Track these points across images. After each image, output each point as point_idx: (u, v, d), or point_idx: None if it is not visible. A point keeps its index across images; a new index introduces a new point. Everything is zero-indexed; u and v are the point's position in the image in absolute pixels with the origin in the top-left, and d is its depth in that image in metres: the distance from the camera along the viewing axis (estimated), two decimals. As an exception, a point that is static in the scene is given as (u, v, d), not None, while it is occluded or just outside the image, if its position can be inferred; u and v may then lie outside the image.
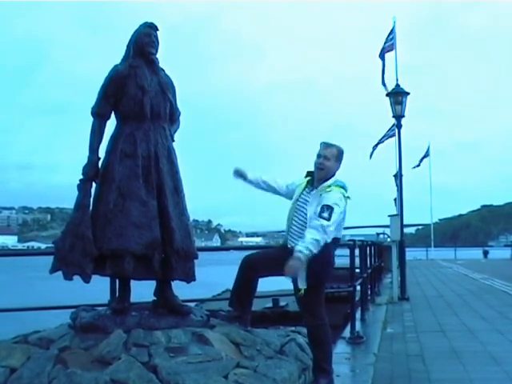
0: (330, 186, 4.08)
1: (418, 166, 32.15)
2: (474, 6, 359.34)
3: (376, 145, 18.37)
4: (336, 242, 4.15)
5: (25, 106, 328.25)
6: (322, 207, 3.95)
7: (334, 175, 4.17)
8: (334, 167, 4.18)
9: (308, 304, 4.14)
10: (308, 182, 4.27)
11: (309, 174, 4.31)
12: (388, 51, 13.92)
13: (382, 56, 14.07)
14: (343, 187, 4.13)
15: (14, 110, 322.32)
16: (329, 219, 3.92)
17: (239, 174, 4.54)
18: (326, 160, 4.14)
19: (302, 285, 4.03)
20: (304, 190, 4.25)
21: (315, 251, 3.86)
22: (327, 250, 4.02)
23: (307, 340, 4.39)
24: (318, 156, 4.19)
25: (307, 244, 3.84)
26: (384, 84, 13.91)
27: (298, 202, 4.22)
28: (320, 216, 3.93)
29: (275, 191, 4.56)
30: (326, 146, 4.20)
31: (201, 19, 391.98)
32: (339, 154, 4.21)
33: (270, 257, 4.39)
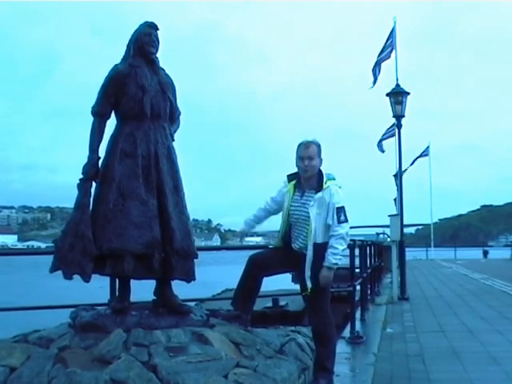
0: (325, 183, 4.16)
1: (412, 164, 32.34)
2: (474, 7, 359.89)
3: (380, 141, 18.46)
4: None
5: (34, 109, 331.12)
6: (337, 211, 4.07)
7: (320, 171, 4.23)
8: (319, 163, 4.24)
9: (314, 301, 4.20)
10: (294, 185, 4.30)
11: (291, 177, 4.35)
12: (385, 59, 13.82)
13: (379, 63, 13.99)
14: (334, 179, 4.25)
15: (23, 113, 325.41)
16: (347, 220, 4.10)
17: (246, 231, 4.66)
18: (311, 160, 4.17)
19: (309, 284, 4.12)
20: (294, 194, 4.28)
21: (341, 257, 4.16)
22: None
23: (310, 339, 4.42)
24: (302, 158, 4.19)
25: (339, 256, 4.09)
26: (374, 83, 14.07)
27: (292, 207, 4.27)
28: (340, 221, 4.07)
29: (272, 213, 4.59)
30: (306, 146, 4.20)
31: (207, 26, 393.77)
32: (319, 149, 4.25)
33: (276, 255, 4.42)
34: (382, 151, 19.05)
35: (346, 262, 7.02)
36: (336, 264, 4.07)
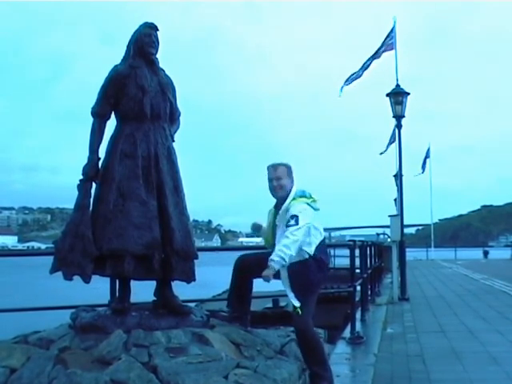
0: (290, 202, 4.13)
1: (423, 171, 32.35)
2: (473, 10, 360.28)
3: (389, 143, 18.45)
4: (317, 257, 4.14)
5: (38, 112, 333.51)
6: (288, 220, 4.02)
7: (290, 191, 4.20)
8: (289, 183, 4.23)
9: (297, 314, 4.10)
10: (275, 206, 4.33)
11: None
12: (377, 57, 13.59)
13: (370, 59, 13.69)
14: (303, 196, 4.17)
15: (28, 115, 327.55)
16: (297, 223, 3.98)
17: (257, 228, 4.59)
18: (279, 180, 4.20)
19: (296, 303, 4.07)
20: (275, 216, 4.30)
21: (288, 256, 3.92)
22: (306, 265, 4.07)
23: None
24: (270, 180, 4.24)
25: (278, 252, 3.92)
26: (341, 88, 13.62)
27: (276, 226, 4.27)
28: (287, 226, 4.00)
29: None
30: (273, 168, 4.25)
31: (209, 29, 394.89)
32: (288, 170, 4.26)
33: (263, 257, 4.37)
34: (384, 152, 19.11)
35: (346, 262, 7.03)
36: (272, 261, 3.88)
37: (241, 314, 4.50)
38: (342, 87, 13.69)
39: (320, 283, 4.29)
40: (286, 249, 3.92)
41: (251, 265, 4.40)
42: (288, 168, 4.28)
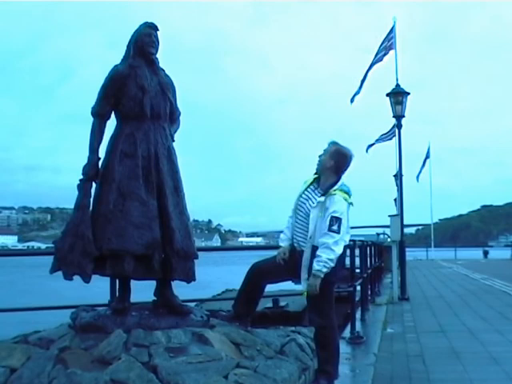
0: (335, 190, 4.11)
1: (419, 174, 32.30)
2: (473, 10, 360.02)
3: (372, 143, 18.30)
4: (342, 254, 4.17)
5: (42, 114, 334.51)
6: (331, 219, 3.99)
7: (338, 179, 4.20)
8: (327, 163, 4.22)
9: (316, 303, 4.14)
10: (315, 179, 4.34)
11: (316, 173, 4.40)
12: (379, 61, 13.59)
13: (370, 67, 13.67)
14: (347, 192, 4.16)
15: (32, 117, 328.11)
16: (339, 232, 3.99)
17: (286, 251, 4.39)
18: (320, 155, 4.29)
19: (304, 286, 4.06)
20: (309, 186, 4.32)
21: (332, 265, 3.98)
22: None
23: (310, 339, 4.40)
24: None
25: (324, 264, 3.94)
26: (352, 99, 13.70)
27: (301, 198, 4.29)
28: (330, 230, 3.98)
29: None
30: (328, 143, 4.32)
31: (213, 33, 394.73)
32: (335, 152, 4.25)
33: (278, 264, 4.33)
34: (367, 151, 18.87)
35: (346, 262, 7.01)
36: (320, 271, 3.92)
37: (243, 315, 4.49)
38: (354, 97, 13.81)
39: (338, 277, 4.26)
40: (331, 261, 3.96)
41: (266, 272, 4.41)
42: (337, 151, 4.24)
